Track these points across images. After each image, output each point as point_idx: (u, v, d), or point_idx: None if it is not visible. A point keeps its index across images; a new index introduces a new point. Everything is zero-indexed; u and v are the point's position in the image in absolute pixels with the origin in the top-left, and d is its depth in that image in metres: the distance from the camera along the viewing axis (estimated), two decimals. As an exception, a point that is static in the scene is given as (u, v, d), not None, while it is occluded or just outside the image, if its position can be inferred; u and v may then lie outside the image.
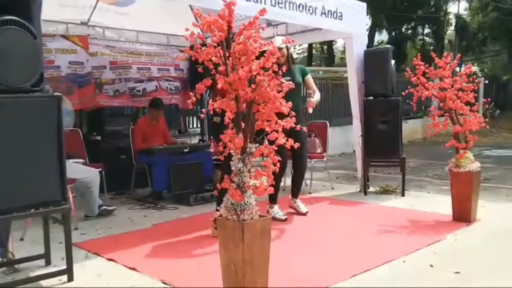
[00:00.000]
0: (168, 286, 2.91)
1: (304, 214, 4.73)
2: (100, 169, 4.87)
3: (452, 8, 27.52)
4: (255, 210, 2.52)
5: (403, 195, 5.59)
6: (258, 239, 2.48)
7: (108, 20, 6.07)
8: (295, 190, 4.87)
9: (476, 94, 4.38)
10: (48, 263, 3.29)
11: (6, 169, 2.68)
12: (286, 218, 4.52)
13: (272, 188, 2.56)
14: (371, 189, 5.92)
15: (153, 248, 3.70)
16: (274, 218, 4.47)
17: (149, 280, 3.02)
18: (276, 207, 4.58)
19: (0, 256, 3.16)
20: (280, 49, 4.45)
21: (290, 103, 2.54)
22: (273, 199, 4.56)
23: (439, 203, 5.05)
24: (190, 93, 2.49)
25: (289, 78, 4.56)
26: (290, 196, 4.91)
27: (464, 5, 28.46)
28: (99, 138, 6.12)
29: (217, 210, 4.02)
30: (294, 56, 4.81)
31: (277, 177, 4.55)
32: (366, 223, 4.39)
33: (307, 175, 6.34)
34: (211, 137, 6.78)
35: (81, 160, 4.78)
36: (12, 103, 2.71)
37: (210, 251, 3.47)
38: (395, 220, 4.43)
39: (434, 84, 4.48)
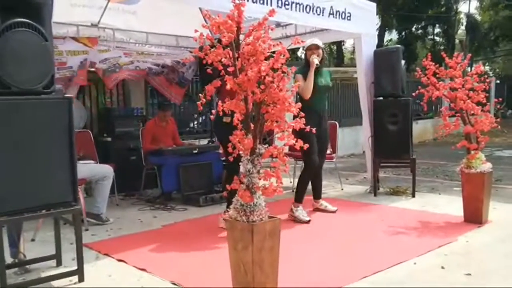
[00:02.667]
0: (178, 287, 2.92)
1: (334, 212, 4.83)
2: (110, 170, 4.90)
3: (463, 7, 27.35)
4: (265, 211, 2.52)
5: (413, 196, 5.55)
6: (267, 240, 2.47)
7: (118, 21, 6.09)
8: (319, 191, 4.96)
9: (487, 94, 4.34)
10: (59, 263, 3.31)
11: (18, 170, 2.71)
12: (310, 220, 4.49)
13: (281, 189, 2.56)
14: (381, 190, 5.89)
15: (162, 249, 3.72)
16: (296, 218, 4.49)
17: (159, 281, 3.03)
18: (301, 207, 4.59)
19: (12, 256, 3.18)
20: (318, 47, 4.54)
21: (299, 103, 2.54)
22: (299, 198, 4.61)
23: (450, 204, 5.01)
24: (200, 94, 2.49)
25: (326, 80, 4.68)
26: (313, 199, 4.93)
27: (474, 4, 28.25)
28: (109, 139, 6.17)
29: (227, 211, 4.03)
30: (303, 57, 4.81)
31: (309, 176, 4.64)
32: (376, 224, 4.37)
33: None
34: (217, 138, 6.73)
35: (91, 161, 4.81)
36: (24, 104, 2.73)
37: (220, 252, 3.47)
38: (405, 221, 4.40)
39: (445, 84, 4.45)
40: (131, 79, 6.17)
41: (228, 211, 3.98)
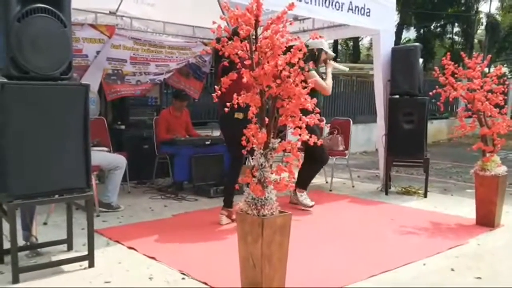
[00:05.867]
0: (187, 276, 2.94)
1: (310, 207, 4.76)
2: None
3: (483, 7, 26.91)
4: (275, 206, 2.51)
5: (425, 196, 5.51)
6: (277, 235, 2.48)
7: (136, 11, 6.12)
8: (307, 182, 4.90)
9: (505, 97, 4.28)
10: (70, 248, 3.36)
11: (33, 155, 2.74)
12: (313, 205, 4.72)
13: (293, 185, 2.56)
14: (392, 189, 5.85)
15: (172, 238, 3.74)
16: (301, 203, 4.69)
17: (168, 270, 3.05)
18: (305, 193, 4.77)
19: (24, 239, 3.23)
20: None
21: (315, 99, 2.52)
22: (305, 185, 4.79)
23: (463, 206, 4.96)
24: (215, 86, 2.49)
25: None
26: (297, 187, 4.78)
27: (495, 4, 27.77)
28: (123, 127, 6.21)
29: (224, 207, 4.12)
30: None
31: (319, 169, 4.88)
32: (386, 223, 4.34)
33: (328, 172, 6.33)
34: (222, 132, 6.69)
35: (105, 148, 4.84)
36: (41, 90, 2.76)
37: (229, 244, 3.49)
38: (416, 221, 4.37)
39: (463, 84, 4.39)
40: (130, 96, 6.29)
41: (225, 208, 4.16)
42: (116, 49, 5.99)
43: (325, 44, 4.86)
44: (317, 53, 4.74)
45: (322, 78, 4.77)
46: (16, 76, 2.68)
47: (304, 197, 4.75)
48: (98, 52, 5.74)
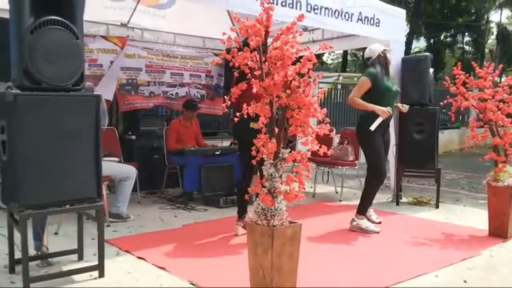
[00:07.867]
0: (196, 287, 2.93)
1: (379, 223, 4.57)
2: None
3: (494, 17, 26.81)
4: (285, 216, 2.50)
5: (437, 207, 5.45)
6: (287, 245, 2.46)
7: (147, 22, 6.20)
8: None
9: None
10: (80, 258, 3.37)
11: (44, 165, 2.76)
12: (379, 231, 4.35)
13: (303, 195, 2.55)
14: (403, 199, 5.80)
15: (182, 249, 3.74)
16: (366, 230, 4.32)
17: (178, 281, 3.04)
18: (365, 219, 4.43)
19: (35, 249, 3.25)
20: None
21: (325, 109, 2.52)
22: (364, 210, 4.41)
23: (475, 217, 4.90)
24: (225, 96, 2.50)
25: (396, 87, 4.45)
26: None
27: (506, 13, 27.62)
28: (134, 137, 6.24)
29: (242, 218, 4.05)
30: (328, 62, 4.78)
31: (376, 188, 4.41)
32: (398, 234, 4.30)
33: (338, 183, 6.30)
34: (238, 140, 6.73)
35: (115, 159, 4.86)
36: (54, 101, 2.79)
37: (239, 254, 3.48)
38: (428, 232, 4.32)
39: (474, 94, 4.36)
40: (143, 108, 6.36)
41: (243, 218, 4.06)
42: (130, 58, 6.06)
43: (380, 45, 4.51)
44: (384, 56, 4.39)
45: (388, 74, 4.38)
46: (29, 87, 2.72)
47: (367, 223, 4.37)
48: (111, 62, 5.82)
